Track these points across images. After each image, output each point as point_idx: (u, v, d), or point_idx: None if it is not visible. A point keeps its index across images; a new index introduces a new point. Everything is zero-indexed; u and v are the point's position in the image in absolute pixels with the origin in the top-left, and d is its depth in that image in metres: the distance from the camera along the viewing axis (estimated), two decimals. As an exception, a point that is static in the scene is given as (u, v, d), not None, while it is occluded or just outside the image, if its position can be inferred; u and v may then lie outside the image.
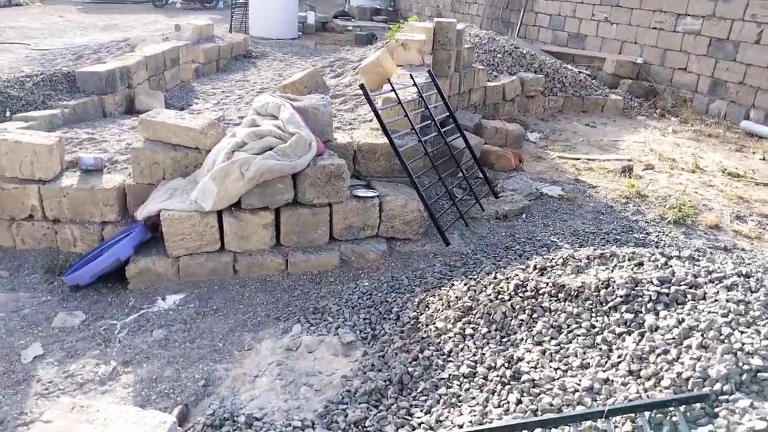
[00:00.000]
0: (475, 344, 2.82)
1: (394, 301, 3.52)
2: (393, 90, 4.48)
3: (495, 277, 3.27)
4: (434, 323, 3.09)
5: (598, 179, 5.99)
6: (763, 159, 6.89)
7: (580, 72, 9.14)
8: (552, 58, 9.37)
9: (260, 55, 11.38)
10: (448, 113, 5.23)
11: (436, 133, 4.86)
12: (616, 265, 3.01)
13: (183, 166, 4.20)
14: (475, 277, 3.46)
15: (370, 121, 5.40)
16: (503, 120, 7.15)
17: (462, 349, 2.82)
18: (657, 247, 4.44)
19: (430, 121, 4.91)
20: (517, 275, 3.12)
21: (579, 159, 6.66)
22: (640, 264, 2.96)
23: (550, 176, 6.03)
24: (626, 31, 10.04)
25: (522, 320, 2.79)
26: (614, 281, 2.75)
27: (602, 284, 2.77)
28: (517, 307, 2.86)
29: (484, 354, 2.73)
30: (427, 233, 4.32)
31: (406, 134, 4.63)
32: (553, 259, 3.23)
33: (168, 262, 3.87)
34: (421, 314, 3.26)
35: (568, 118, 8.23)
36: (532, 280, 2.99)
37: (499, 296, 2.98)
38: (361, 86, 4.22)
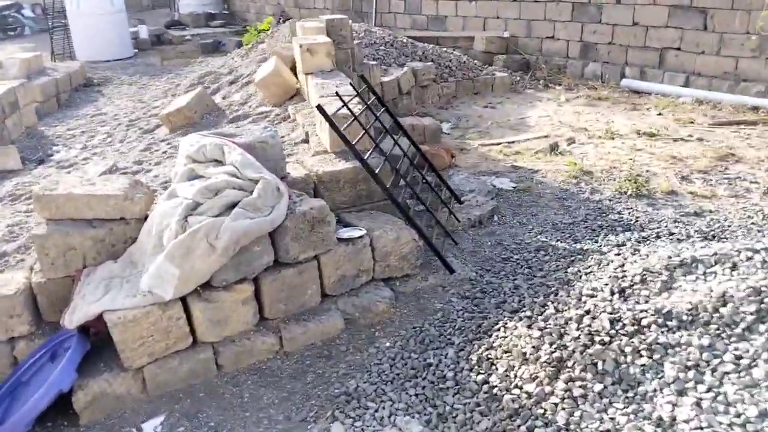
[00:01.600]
0: (594, 407, 2.24)
1: (439, 362, 2.83)
2: (345, 104, 3.71)
3: (557, 310, 2.71)
4: (519, 386, 2.47)
5: (533, 162, 5.67)
6: (660, 114, 7.03)
7: (461, 54, 8.85)
8: (435, 45, 8.98)
9: (103, 81, 9.81)
10: (392, 120, 4.56)
11: (394, 145, 4.18)
12: (705, 273, 2.58)
13: (109, 245, 3.13)
14: (529, 313, 2.87)
15: (304, 142, 4.58)
16: (416, 115, 6.60)
17: (581, 418, 2.23)
18: (643, 229, 4.17)
19: (383, 133, 4.22)
20: (597, 306, 2.58)
21: (500, 143, 6.31)
22: (734, 266, 2.56)
23: (487, 167, 5.60)
24: (487, 7, 9.92)
25: (643, 366, 2.26)
26: (732, 296, 2.31)
27: (719, 301, 2.31)
28: (627, 349, 2.33)
29: (614, 419, 2.17)
30: (423, 264, 3.65)
31: (363, 153, 3.90)
32: (625, 277, 2.73)
33: (128, 377, 2.83)
34: (490, 375, 2.61)
35: (465, 103, 7.89)
36: (625, 310, 2.47)
37: (596, 338, 2.42)
38: (318, 107, 3.40)
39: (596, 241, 3.95)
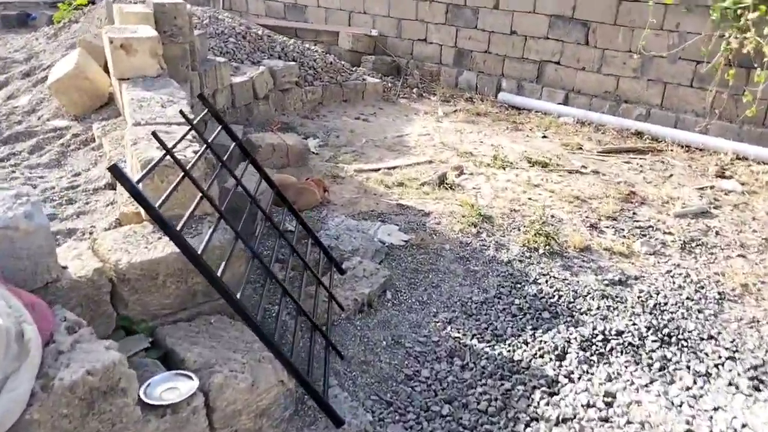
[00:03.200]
0: None
1: None
2: (167, 150, 2.18)
3: None
4: None
5: (421, 199, 4.48)
6: (545, 137, 6.19)
7: (327, 53, 7.45)
8: (294, 38, 7.47)
9: None
10: (244, 155, 3.08)
11: (251, 202, 2.72)
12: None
13: None
14: None
15: (110, 187, 2.97)
16: (277, 131, 5.11)
17: None
18: (572, 314, 3.14)
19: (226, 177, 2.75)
20: None
21: (379, 170, 5.05)
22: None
23: (368, 206, 4.30)
24: (352, 0, 8.59)
25: None
26: None
27: None
28: None
29: None
30: (295, 411, 2.27)
31: (200, 221, 2.43)
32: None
33: None
34: None
35: (333, 112, 6.51)
36: None
37: None
38: (113, 169, 1.86)
39: (525, 341, 2.83)
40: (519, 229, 4.05)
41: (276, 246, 3.06)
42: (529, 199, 4.56)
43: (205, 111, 2.84)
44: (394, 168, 5.12)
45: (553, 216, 4.29)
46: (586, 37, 6.67)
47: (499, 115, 6.81)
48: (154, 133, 2.17)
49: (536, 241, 3.83)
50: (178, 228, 1.94)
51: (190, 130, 2.55)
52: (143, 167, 2.39)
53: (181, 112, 2.56)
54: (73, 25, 6.56)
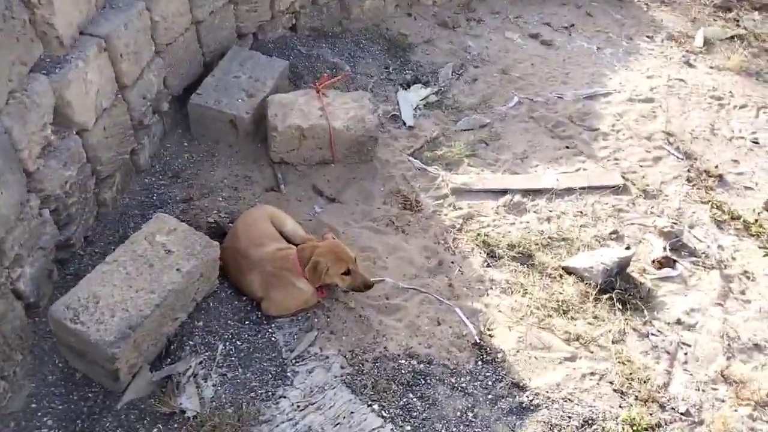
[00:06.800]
0: None
1: None
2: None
3: None
4: None
5: (546, 331, 1.90)
6: None
7: None
8: None
9: None
10: None
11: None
12: None
13: None
14: None
15: None
16: (323, 89, 2.54)
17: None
18: None
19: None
20: None
21: (505, 193, 2.41)
22: None
23: (418, 333, 1.88)
24: None
25: None
26: None
27: None
28: None
29: None
30: None
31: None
32: None
33: None
34: None
35: (497, 15, 3.52)
36: None
37: None
38: None
39: None
40: None
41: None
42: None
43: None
44: (534, 193, 2.42)
45: None
46: None
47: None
48: None
49: None
50: None
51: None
52: None
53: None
54: None
